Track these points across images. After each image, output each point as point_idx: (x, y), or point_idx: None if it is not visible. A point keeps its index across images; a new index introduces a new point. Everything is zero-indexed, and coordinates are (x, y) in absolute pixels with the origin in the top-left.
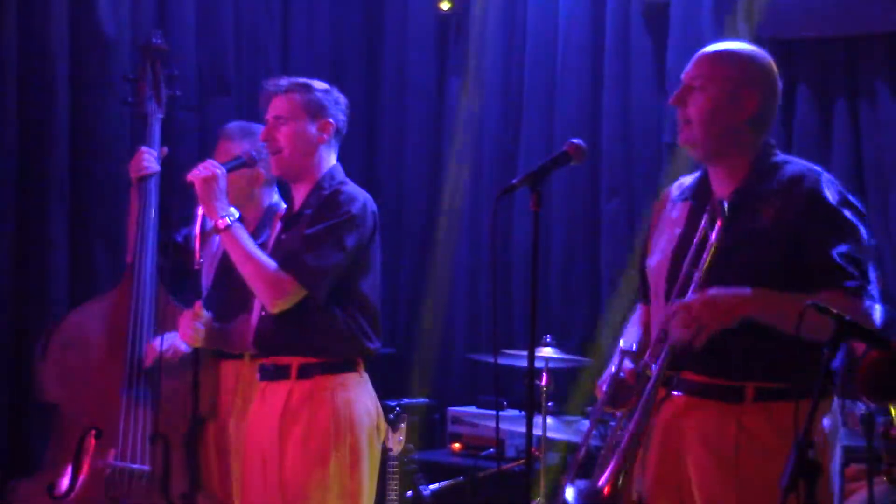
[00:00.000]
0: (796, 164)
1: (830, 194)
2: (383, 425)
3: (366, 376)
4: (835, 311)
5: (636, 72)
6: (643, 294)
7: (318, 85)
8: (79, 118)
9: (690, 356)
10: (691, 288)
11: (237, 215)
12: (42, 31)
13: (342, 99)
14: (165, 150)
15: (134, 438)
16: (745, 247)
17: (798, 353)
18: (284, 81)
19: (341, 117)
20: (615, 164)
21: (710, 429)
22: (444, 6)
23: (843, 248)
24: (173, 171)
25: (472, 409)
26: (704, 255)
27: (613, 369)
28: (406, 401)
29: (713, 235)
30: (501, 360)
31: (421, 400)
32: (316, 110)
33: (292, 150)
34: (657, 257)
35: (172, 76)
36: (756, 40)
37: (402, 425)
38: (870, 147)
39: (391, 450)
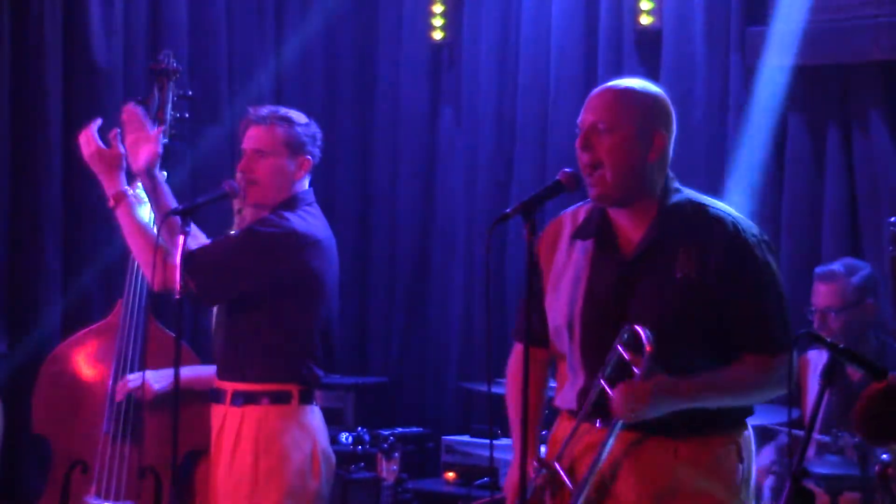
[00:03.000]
0: (708, 204)
1: (753, 244)
2: (323, 459)
3: (304, 408)
4: (828, 339)
5: None
6: (535, 336)
7: (299, 118)
8: (72, 146)
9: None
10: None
11: (131, 191)
12: (35, 59)
13: (319, 133)
14: (164, 174)
15: (118, 474)
16: (663, 297)
17: None
18: (265, 111)
19: (317, 153)
20: None
21: (648, 463)
22: (437, 35)
23: (769, 308)
24: None
25: (466, 437)
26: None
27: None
28: (399, 430)
29: (637, 370)
30: (495, 389)
31: (414, 429)
32: (296, 147)
33: (269, 183)
34: (564, 303)
35: (185, 97)
36: (748, 67)
37: (396, 455)
38: (863, 175)
39: (385, 479)
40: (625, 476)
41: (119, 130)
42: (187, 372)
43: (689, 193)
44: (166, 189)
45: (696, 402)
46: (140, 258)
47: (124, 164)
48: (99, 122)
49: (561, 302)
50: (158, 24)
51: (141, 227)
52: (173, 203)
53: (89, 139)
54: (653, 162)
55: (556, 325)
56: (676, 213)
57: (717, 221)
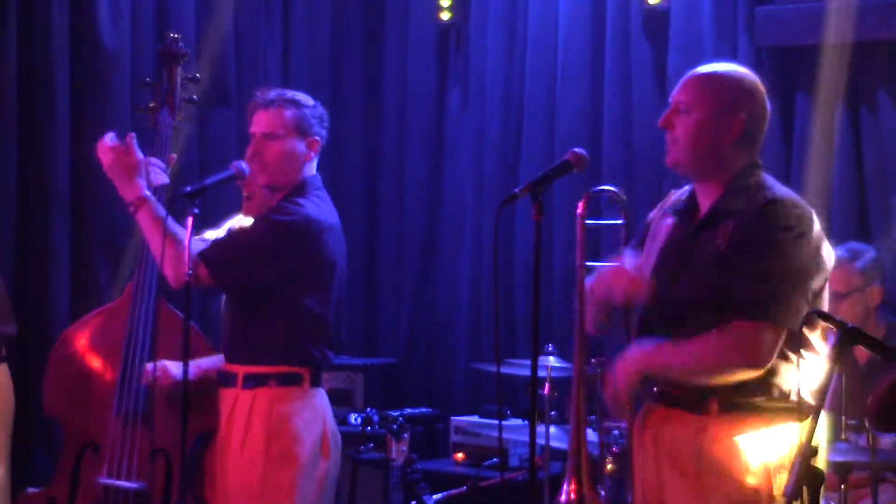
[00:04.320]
0: (768, 187)
1: (772, 219)
2: (332, 439)
3: (314, 390)
4: (837, 318)
5: (637, 79)
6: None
7: (306, 100)
8: (80, 130)
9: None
10: None
11: (149, 194)
12: (43, 43)
13: (325, 114)
14: (174, 157)
15: (129, 456)
16: (697, 268)
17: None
18: (273, 95)
19: (325, 133)
20: (616, 172)
21: (676, 439)
22: (444, 16)
23: (759, 274)
24: (174, 182)
25: (475, 418)
26: None
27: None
28: (409, 411)
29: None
30: (504, 370)
31: (424, 410)
32: (305, 128)
33: (279, 166)
34: (647, 264)
35: (192, 80)
36: (755, 48)
37: (406, 435)
38: (871, 154)
39: (394, 460)
40: (653, 450)
41: (135, 134)
42: (207, 362)
43: (763, 177)
44: (162, 218)
45: (665, 368)
46: (163, 263)
47: (143, 170)
48: (112, 134)
49: (646, 262)
50: (165, 6)
51: (165, 231)
52: (166, 225)
53: (106, 149)
54: (730, 143)
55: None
56: (738, 190)
57: (759, 199)
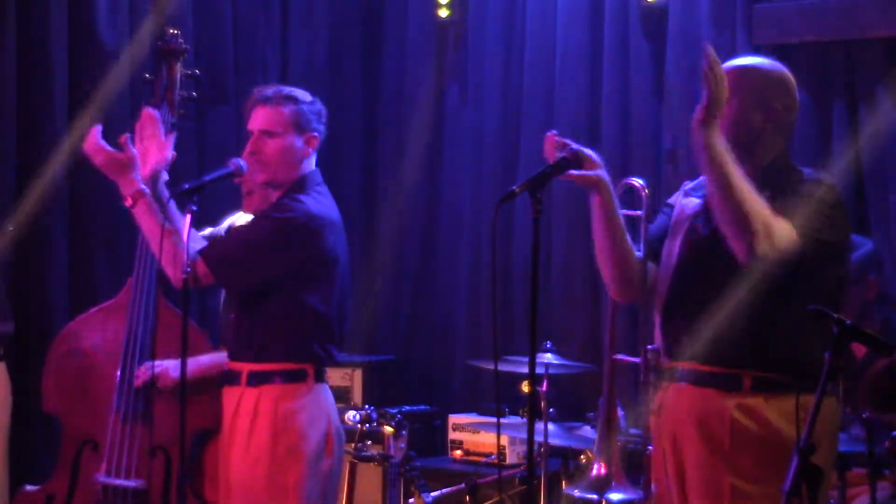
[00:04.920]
0: (805, 170)
1: (815, 185)
2: (336, 436)
3: (318, 387)
4: (836, 315)
5: (635, 76)
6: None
7: (304, 96)
8: (78, 125)
9: (691, 346)
10: None
11: (146, 188)
12: (41, 40)
13: (324, 110)
14: (173, 154)
15: (129, 453)
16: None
17: (799, 346)
18: (271, 91)
19: (323, 129)
20: (614, 168)
21: (707, 416)
22: (443, 13)
23: (804, 199)
24: (172, 180)
25: (473, 415)
26: None
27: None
28: (407, 408)
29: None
30: (502, 367)
31: (422, 407)
32: (303, 125)
33: (279, 163)
34: (674, 244)
35: (192, 76)
36: (753, 45)
37: (404, 432)
38: (869, 151)
39: (392, 457)
40: (685, 427)
41: (130, 135)
42: (207, 359)
43: (796, 165)
44: (164, 200)
45: (720, 168)
46: (161, 256)
47: (139, 165)
48: (99, 128)
49: (671, 241)
50: (163, 3)
51: (162, 225)
52: (163, 219)
53: (95, 148)
54: (767, 132)
55: (665, 264)
56: (773, 173)
57: (797, 176)
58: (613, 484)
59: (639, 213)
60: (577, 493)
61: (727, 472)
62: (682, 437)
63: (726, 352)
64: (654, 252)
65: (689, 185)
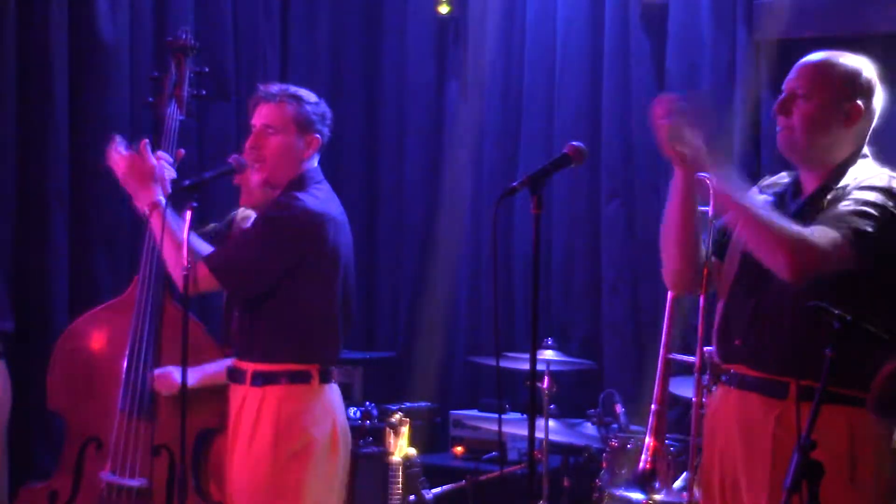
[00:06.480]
0: (877, 167)
1: (877, 180)
2: (342, 436)
3: (323, 387)
4: (836, 311)
5: (635, 73)
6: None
7: (309, 97)
8: (79, 123)
9: (743, 350)
10: None
11: (163, 199)
12: (41, 36)
13: (328, 113)
14: (182, 152)
15: (133, 451)
16: None
17: (849, 356)
18: (276, 89)
19: (326, 132)
20: (615, 165)
21: (751, 423)
22: (443, 9)
23: (856, 200)
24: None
25: (474, 412)
26: None
27: None
28: (407, 405)
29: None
30: (503, 363)
31: (422, 404)
32: (305, 125)
33: (277, 161)
34: (735, 250)
35: (201, 73)
36: (754, 41)
37: (404, 429)
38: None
39: (393, 454)
40: (730, 432)
41: (149, 140)
42: (212, 367)
43: (872, 162)
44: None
45: (735, 205)
46: (173, 269)
47: (158, 175)
48: (120, 139)
49: (738, 242)
50: (164, 0)
51: (175, 237)
52: (178, 231)
53: (117, 159)
54: (846, 129)
55: (730, 263)
56: (844, 171)
57: (863, 172)
58: (658, 485)
59: (706, 208)
60: (620, 491)
61: (770, 488)
62: (729, 442)
63: (774, 357)
64: (720, 248)
65: (766, 180)
